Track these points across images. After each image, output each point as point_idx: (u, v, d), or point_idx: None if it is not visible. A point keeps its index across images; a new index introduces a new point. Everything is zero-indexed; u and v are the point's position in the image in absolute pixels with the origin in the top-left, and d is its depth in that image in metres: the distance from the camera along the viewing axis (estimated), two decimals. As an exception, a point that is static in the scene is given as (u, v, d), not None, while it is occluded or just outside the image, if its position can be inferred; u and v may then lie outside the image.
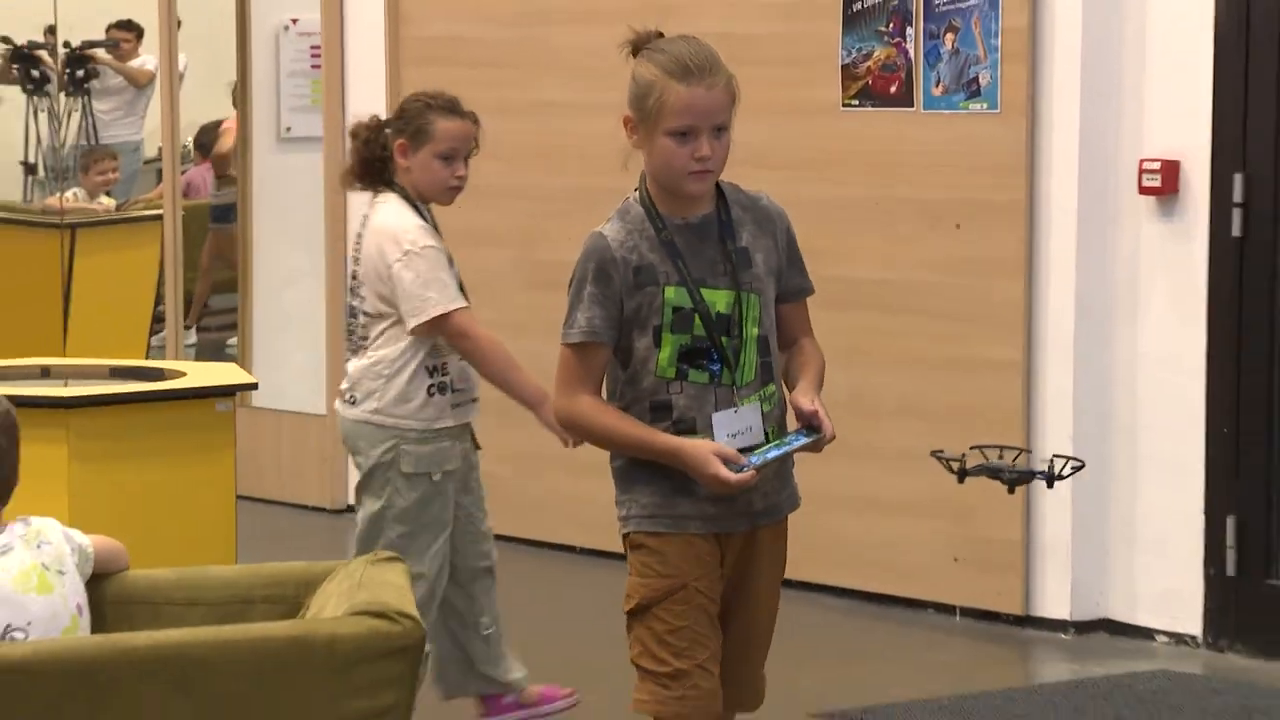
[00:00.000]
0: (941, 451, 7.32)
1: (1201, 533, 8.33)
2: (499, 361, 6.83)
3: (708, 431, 4.83)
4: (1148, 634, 8.47)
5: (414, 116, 6.89)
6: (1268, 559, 8.27)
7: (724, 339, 4.86)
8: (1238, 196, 8.22)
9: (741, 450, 4.79)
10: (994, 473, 6.14)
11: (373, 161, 6.92)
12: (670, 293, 4.85)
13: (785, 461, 4.97)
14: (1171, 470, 8.41)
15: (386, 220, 6.81)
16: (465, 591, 7.04)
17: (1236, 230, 8.22)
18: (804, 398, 4.88)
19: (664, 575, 4.88)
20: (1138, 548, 8.51)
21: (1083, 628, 8.53)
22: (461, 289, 6.87)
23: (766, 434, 4.92)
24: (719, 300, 4.87)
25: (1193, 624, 8.36)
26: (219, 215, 12.12)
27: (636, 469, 4.94)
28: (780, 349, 5.03)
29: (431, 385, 6.77)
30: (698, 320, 4.84)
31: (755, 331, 4.91)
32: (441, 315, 6.72)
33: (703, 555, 4.91)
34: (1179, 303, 8.37)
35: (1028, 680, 8.12)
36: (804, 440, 4.87)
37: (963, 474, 7.29)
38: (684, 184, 4.85)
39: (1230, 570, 8.27)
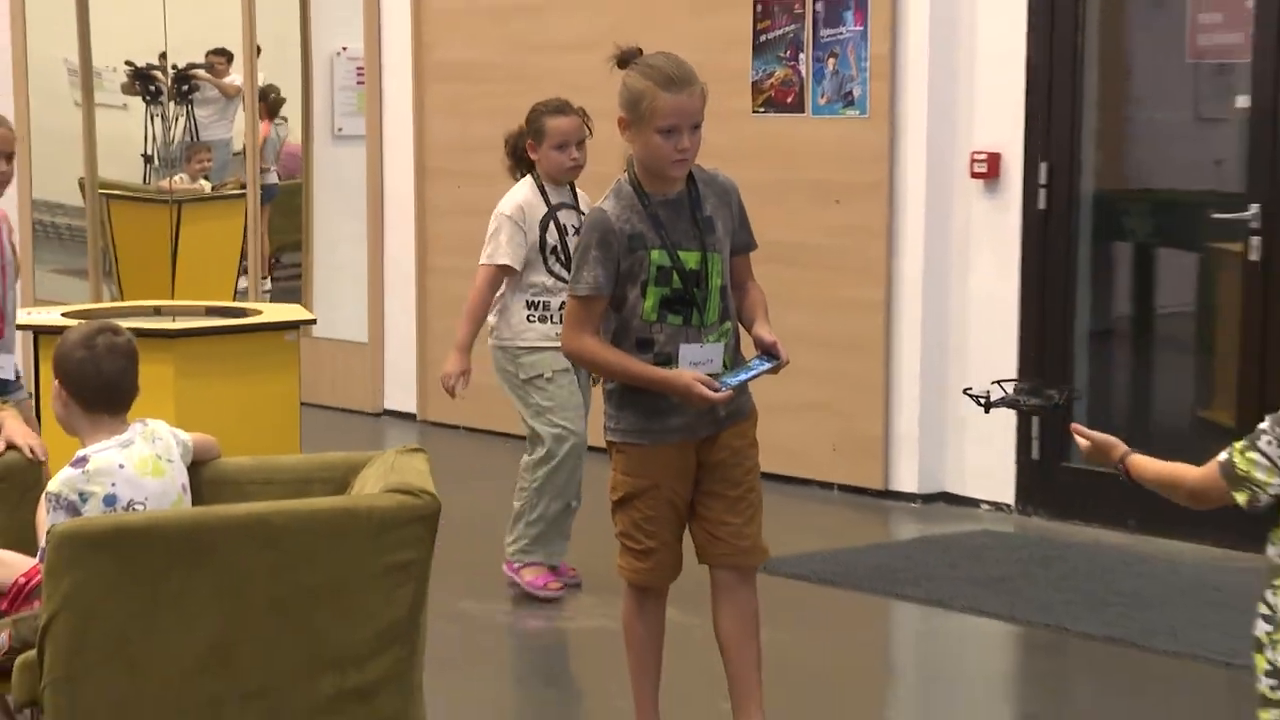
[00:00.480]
0: (970, 389, 7.26)
1: (1015, 429, 8.34)
2: (468, 308, 6.85)
3: (679, 362, 4.80)
4: (974, 503, 8.50)
5: (533, 120, 6.86)
6: (1062, 447, 8.23)
7: (695, 290, 4.80)
8: (1042, 179, 8.26)
9: (704, 381, 4.72)
10: (1013, 404, 6.04)
11: (518, 157, 6.95)
12: (655, 255, 4.78)
13: (747, 386, 4.92)
14: (993, 380, 8.46)
15: (508, 195, 6.88)
16: None
17: (1042, 205, 8.27)
18: (764, 331, 4.87)
19: (642, 477, 4.85)
20: (967, 439, 8.51)
21: (927, 499, 8.56)
22: (549, 253, 6.77)
23: (724, 363, 4.85)
24: (691, 259, 4.80)
25: (1008, 495, 8.41)
26: (265, 196, 12.09)
27: (625, 394, 4.87)
28: (732, 289, 4.95)
29: (531, 314, 6.77)
30: (676, 276, 4.78)
31: (718, 282, 4.84)
32: (481, 264, 6.82)
33: (673, 462, 4.86)
34: (999, 258, 8.38)
35: (887, 538, 8.08)
36: (767, 365, 4.82)
37: (989, 406, 7.18)
38: (669, 170, 4.79)
39: (1035, 455, 8.34)
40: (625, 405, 4.88)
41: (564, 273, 6.45)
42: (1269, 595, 3.30)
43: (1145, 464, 3.66)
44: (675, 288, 4.80)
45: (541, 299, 6.73)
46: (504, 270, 6.76)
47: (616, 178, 4.94)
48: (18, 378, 6.03)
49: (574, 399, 6.77)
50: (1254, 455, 3.29)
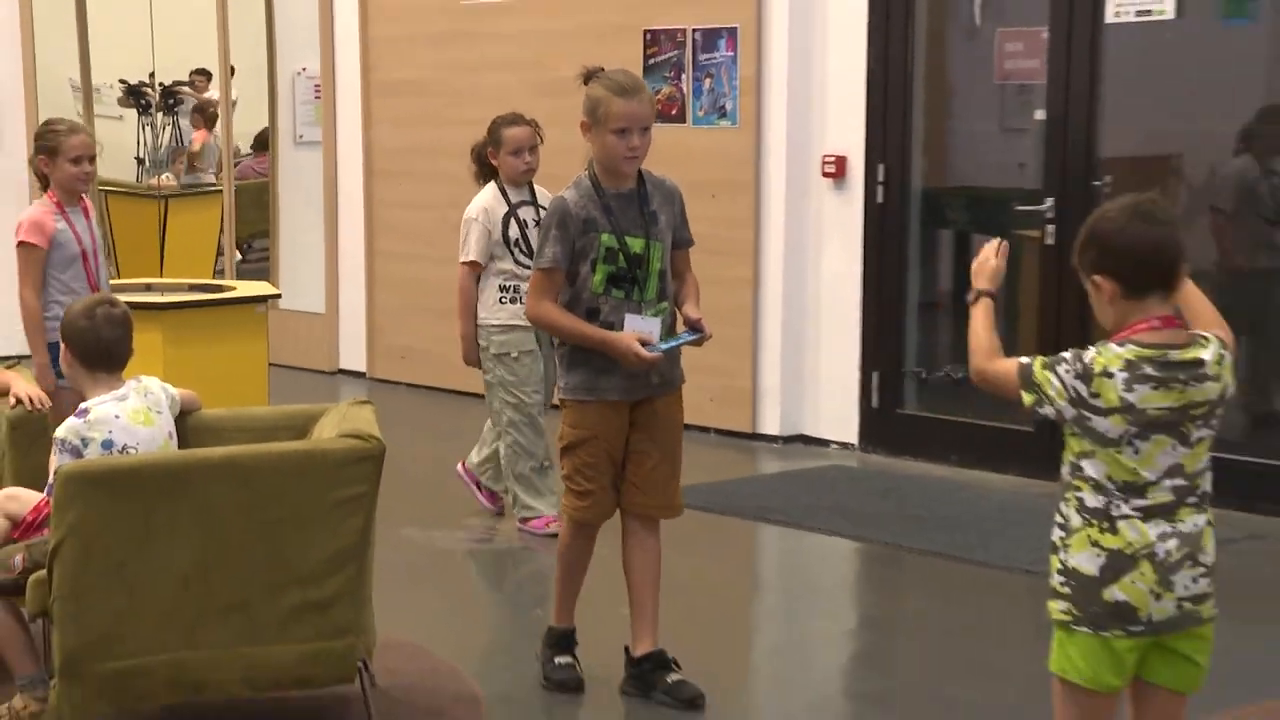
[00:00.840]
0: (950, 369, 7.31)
1: (858, 381, 8.37)
2: (461, 305, 6.70)
3: (623, 330, 4.72)
4: (825, 443, 8.48)
5: (493, 131, 6.68)
6: (896, 397, 8.33)
7: (638, 270, 4.73)
8: (880, 178, 8.25)
9: (644, 344, 4.67)
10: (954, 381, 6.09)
11: (482, 163, 6.76)
12: (605, 238, 4.71)
13: (676, 352, 4.86)
14: (841, 344, 8.42)
15: (474, 200, 6.71)
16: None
17: (879, 199, 8.26)
18: (692, 310, 4.83)
19: (584, 429, 4.79)
20: (821, 390, 8.52)
21: (787, 440, 8.53)
22: (513, 245, 6.59)
23: (661, 334, 4.77)
24: (636, 245, 4.73)
25: (852, 437, 8.41)
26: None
27: (574, 357, 4.79)
28: (673, 278, 4.88)
29: (503, 296, 6.61)
30: (621, 257, 4.72)
31: (658, 266, 4.78)
32: (460, 262, 6.68)
33: (611, 418, 4.78)
34: (845, 243, 8.38)
35: (755, 472, 8.06)
36: (691, 337, 4.80)
37: (956, 383, 7.25)
38: (621, 165, 4.72)
39: (875, 404, 8.35)
40: (574, 367, 4.81)
41: (528, 260, 6.38)
42: (1062, 506, 3.31)
43: (978, 317, 3.51)
44: (620, 267, 4.74)
45: (511, 284, 6.58)
46: (474, 265, 6.64)
47: (577, 174, 4.84)
48: None
49: (534, 375, 6.65)
50: (1049, 375, 3.25)
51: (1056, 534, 3.33)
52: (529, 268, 6.20)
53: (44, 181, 6.06)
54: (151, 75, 12.01)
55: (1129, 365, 3.19)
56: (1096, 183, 7.61)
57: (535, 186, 6.75)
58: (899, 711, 4.99)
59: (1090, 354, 3.24)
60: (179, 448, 4.77)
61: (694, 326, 4.84)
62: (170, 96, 12.20)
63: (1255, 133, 7.37)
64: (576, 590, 4.97)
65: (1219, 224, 7.47)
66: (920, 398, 8.41)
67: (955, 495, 7.48)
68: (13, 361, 5.75)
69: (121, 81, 12.11)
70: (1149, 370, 3.18)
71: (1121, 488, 3.22)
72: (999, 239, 3.67)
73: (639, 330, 4.72)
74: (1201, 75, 7.63)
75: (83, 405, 4.62)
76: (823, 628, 5.93)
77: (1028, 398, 3.28)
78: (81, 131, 6.06)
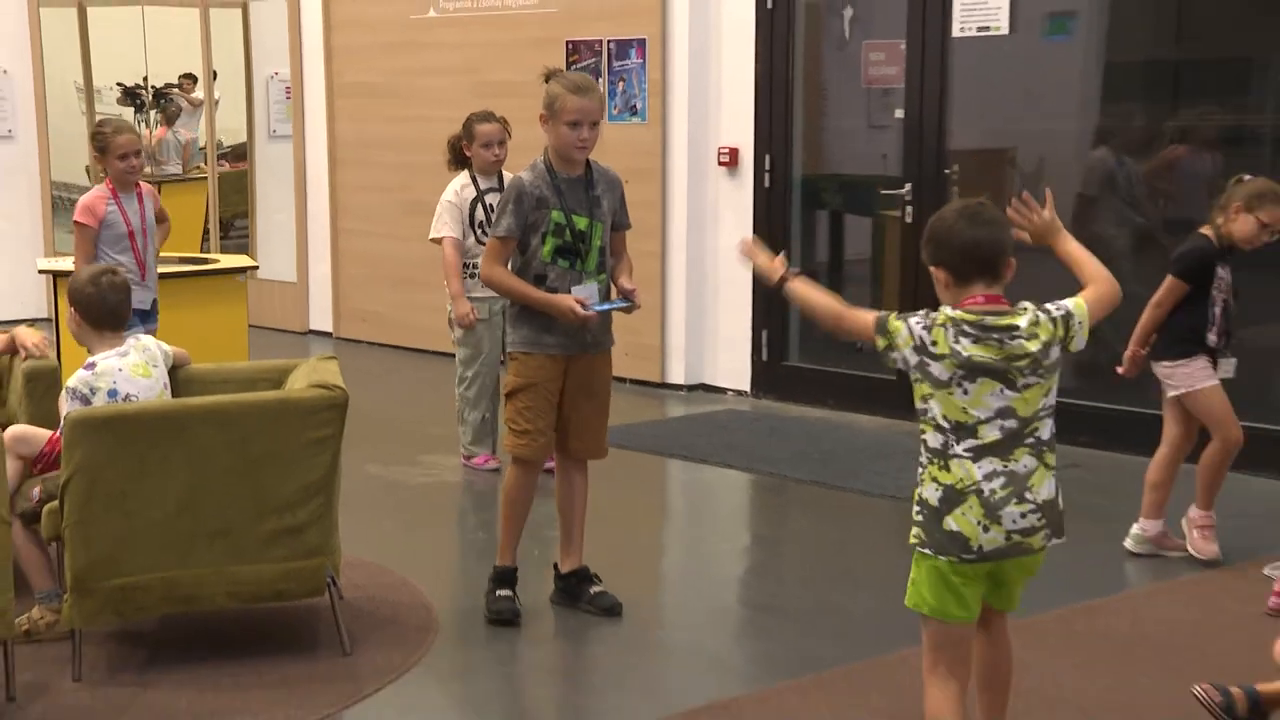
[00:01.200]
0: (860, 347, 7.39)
1: (750, 338, 8.38)
2: (448, 271, 6.47)
3: (567, 294, 4.63)
4: (722, 391, 8.50)
5: (467, 126, 6.48)
6: (782, 350, 8.33)
7: (581, 245, 4.67)
8: (766, 167, 8.26)
9: (581, 305, 4.61)
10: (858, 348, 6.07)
11: (456, 154, 6.56)
12: (555, 215, 4.63)
13: (609, 316, 4.80)
14: (735, 307, 8.43)
15: (449, 186, 6.53)
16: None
17: (766, 184, 8.27)
18: (625, 281, 4.78)
19: (527, 377, 4.71)
20: (720, 346, 8.52)
21: (690, 388, 8.54)
22: (477, 227, 6.38)
23: (597, 300, 4.71)
24: (581, 223, 4.66)
25: (745, 385, 8.43)
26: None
27: (521, 314, 4.72)
28: (611, 255, 4.81)
29: (465, 273, 6.44)
30: (568, 232, 4.65)
31: (599, 243, 4.71)
32: (434, 238, 6.52)
33: (551, 369, 4.71)
34: (737, 221, 8.35)
35: (663, 416, 8.05)
36: (623, 304, 4.75)
37: (859, 349, 7.20)
38: (573, 154, 4.64)
39: (764, 357, 8.36)
40: (520, 324, 4.74)
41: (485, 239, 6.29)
42: (922, 444, 3.33)
43: (803, 288, 3.43)
44: (566, 240, 4.66)
45: (473, 261, 6.41)
46: (451, 239, 6.46)
47: (534, 158, 4.74)
48: (155, 314, 6.14)
49: (486, 341, 6.53)
50: (900, 324, 3.26)
51: (918, 471, 3.33)
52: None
53: (103, 171, 6.09)
54: (145, 79, 11.86)
55: (955, 323, 3.24)
56: (946, 170, 7.68)
57: (504, 175, 6.60)
58: (785, 614, 5.01)
59: (936, 313, 3.28)
60: (172, 397, 4.72)
61: (626, 296, 4.80)
62: (161, 97, 12.07)
63: (1108, 129, 7.39)
64: (519, 530, 4.88)
65: (1084, 207, 7.47)
66: (801, 351, 8.41)
67: (831, 433, 7.51)
68: (30, 323, 5.67)
69: (119, 84, 11.97)
70: (968, 329, 3.22)
71: (955, 428, 3.21)
72: (764, 252, 3.60)
73: (578, 294, 4.66)
74: (1029, 82, 7.70)
75: (90, 360, 4.57)
76: (720, 546, 5.95)
77: (880, 342, 3.29)
78: (128, 131, 6.08)
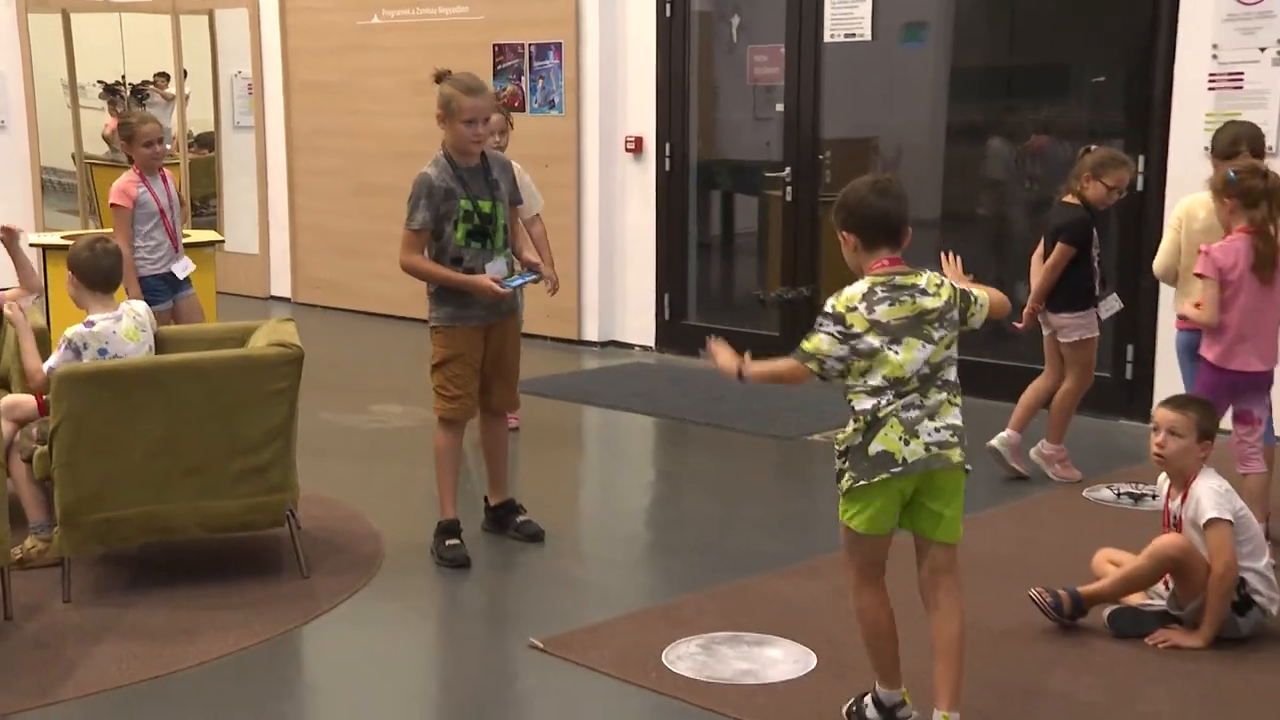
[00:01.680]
0: (759, 292, 7.19)
1: (654, 300, 8.36)
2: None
3: (482, 273, 4.53)
4: (631, 346, 8.47)
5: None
6: (683, 310, 8.31)
7: (488, 226, 4.55)
8: (667, 153, 8.23)
9: (495, 281, 4.51)
10: (761, 301, 5.84)
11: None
12: (463, 203, 4.50)
13: (518, 291, 4.71)
14: (641, 273, 8.41)
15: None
16: None
17: (667, 168, 8.24)
18: (530, 256, 4.70)
19: (451, 348, 4.61)
20: (628, 307, 8.50)
21: (603, 344, 8.51)
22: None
23: (506, 273, 4.59)
24: (485, 206, 4.54)
25: (650, 341, 8.41)
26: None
27: (440, 294, 4.60)
28: (512, 229, 4.70)
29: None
30: (476, 216, 4.53)
31: (502, 222, 4.59)
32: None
33: (472, 338, 4.61)
34: (643, 200, 8.33)
35: (580, 369, 7.98)
36: (531, 277, 4.67)
37: (762, 303, 7.00)
38: (469, 148, 4.52)
39: (666, 316, 8.35)
40: (441, 303, 4.61)
41: None
42: (851, 412, 3.25)
43: (758, 369, 3.29)
44: (476, 224, 4.54)
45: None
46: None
47: (434, 153, 4.60)
48: (189, 282, 6.00)
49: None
50: (817, 339, 3.17)
51: (839, 441, 3.24)
52: None
53: (130, 159, 5.94)
54: (123, 76, 11.64)
55: (866, 294, 3.17)
56: (820, 156, 7.69)
57: (494, 156, 6.32)
58: (686, 536, 5.03)
59: (830, 304, 3.20)
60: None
61: (532, 269, 4.73)
62: (138, 92, 11.84)
63: (1000, 121, 7.34)
64: (454, 482, 4.76)
65: (990, 190, 7.43)
66: (699, 311, 8.40)
67: (724, 384, 7.37)
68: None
69: (100, 81, 11.73)
70: (881, 292, 3.17)
71: (892, 384, 3.15)
72: (726, 349, 3.34)
73: (491, 271, 4.56)
74: (888, 82, 7.74)
75: (89, 318, 4.49)
76: (630, 480, 5.95)
77: (813, 365, 3.18)
78: (151, 121, 5.92)
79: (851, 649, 3.78)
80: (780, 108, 7.84)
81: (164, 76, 11.94)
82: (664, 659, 3.77)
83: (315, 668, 3.94)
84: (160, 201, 5.89)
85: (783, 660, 3.74)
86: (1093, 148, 5.42)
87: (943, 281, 3.25)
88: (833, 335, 3.17)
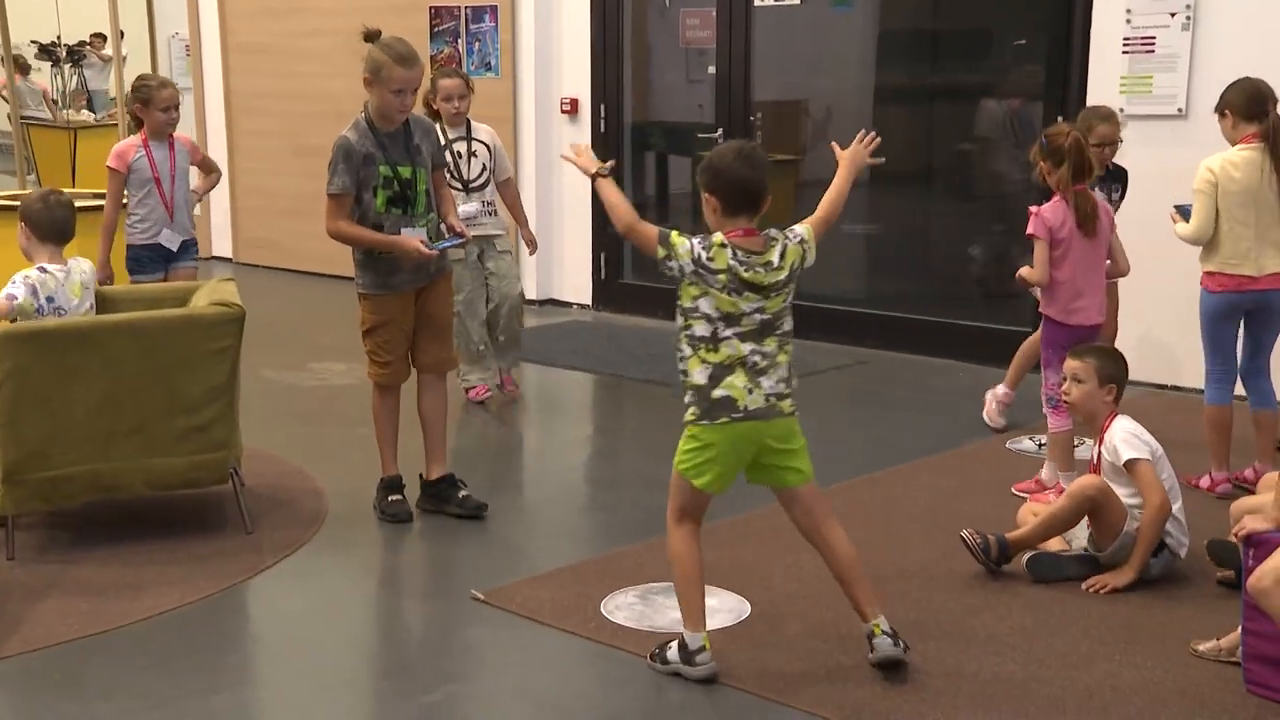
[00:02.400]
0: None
1: (590, 260, 8.37)
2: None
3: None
4: (569, 305, 8.49)
5: (432, 82, 5.71)
6: (619, 270, 8.34)
7: (409, 192, 4.42)
8: (602, 115, 8.22)
9: (424, 241, 4.38)
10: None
11: (427, 109, 5.87)
12: (382, 168, 4.36)
13: (446, 252, 4.53)
14: (577, 234, 8.41)
15: None
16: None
17: (602, 129, 8.23)
18: (453, 221, 4.51)
19: (381, 314, 4.51)
20: (566, 267, 8.50)
21: (542, 303, 8.50)
22: (448, 172, 5.71)
23: (430, 237, 4.45)
24: (405, 172, 4.40)
25: (587, 299, 8.43)
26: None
27: (366, 261, 4.47)
28: (436, 195, 4.55)
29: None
30: (396, 183, 4.40)
31: (423, 187, 4.45)
32: None
33: (401, 304, 4.51)
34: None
35: (521, 328, 8.05)
36: (456, 241, 4.48)
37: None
38: (395, 116, 4.36)
39: (603, 276, 8.38)
40: (367, 269, 4.49)
41: (456, 184, 5.98)
42: (678, 345, 3.35)
43: (608, 191, 3.34)
44: (395, 190, 4.41)
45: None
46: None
47: (355, 116, 4.46)
48: (190, 252, 5.80)
49: (466, 281, 5.99)
50: (683, 240, 3.25)
51: (679, 365, 3.36)
52: (456, 189, 5.91)
53: (138, 122, 5.71)
54: (59, 37, 11.37)
55: (731, 247, 3.26)
56: (751, 118, 7.71)
57: (472, 124, 6.17)
58: (622, 490, 5.04)
59: (711, 237, 3.28)
60: (96, 313, 4.58)
61: (456, 233, 4.57)
62: (74, 54, 11.58)
63: (995, 82, 7.28)
64: (393, 441, 4.69)
65: (981, 149, 7.37)
66: (634, 271, 8.40)
67: (659, 339, 7.51)
68: None
69: (34, 42, 11.45)
70: (740, 256, 3.25)
71: (723, 318, 3.25)
72: (587, 154, 3.51)
73: (414, 237, 4.44)
74: (818, 45, 7.75)
75: (40, 264, 4.45)
76: (568, 434, 5.95)
77: (661, 251, 3.26)
78: (169, 86, 5.70)
79: (786, 599, 3.82)
80: (712, 70, 7.82)
81: (100, 38, 11.71)
82: (603, 609, 3.79)
83: (260, 621, 3.91)
84: (159, 169, 5.68)
85: (719, 609, 3.76)
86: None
87: (788, 247, 3.31)
88: (694, 251, 3.24)
